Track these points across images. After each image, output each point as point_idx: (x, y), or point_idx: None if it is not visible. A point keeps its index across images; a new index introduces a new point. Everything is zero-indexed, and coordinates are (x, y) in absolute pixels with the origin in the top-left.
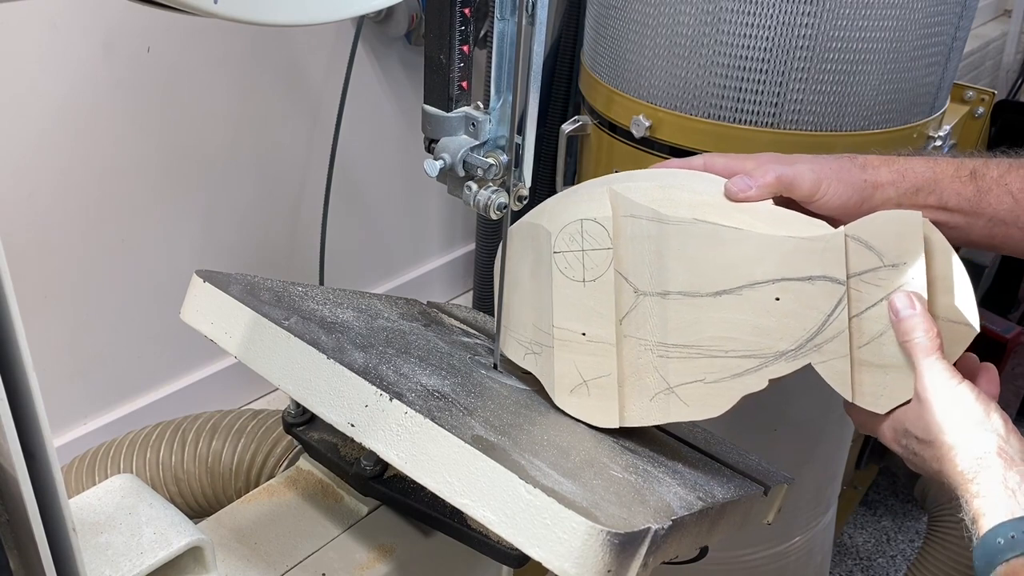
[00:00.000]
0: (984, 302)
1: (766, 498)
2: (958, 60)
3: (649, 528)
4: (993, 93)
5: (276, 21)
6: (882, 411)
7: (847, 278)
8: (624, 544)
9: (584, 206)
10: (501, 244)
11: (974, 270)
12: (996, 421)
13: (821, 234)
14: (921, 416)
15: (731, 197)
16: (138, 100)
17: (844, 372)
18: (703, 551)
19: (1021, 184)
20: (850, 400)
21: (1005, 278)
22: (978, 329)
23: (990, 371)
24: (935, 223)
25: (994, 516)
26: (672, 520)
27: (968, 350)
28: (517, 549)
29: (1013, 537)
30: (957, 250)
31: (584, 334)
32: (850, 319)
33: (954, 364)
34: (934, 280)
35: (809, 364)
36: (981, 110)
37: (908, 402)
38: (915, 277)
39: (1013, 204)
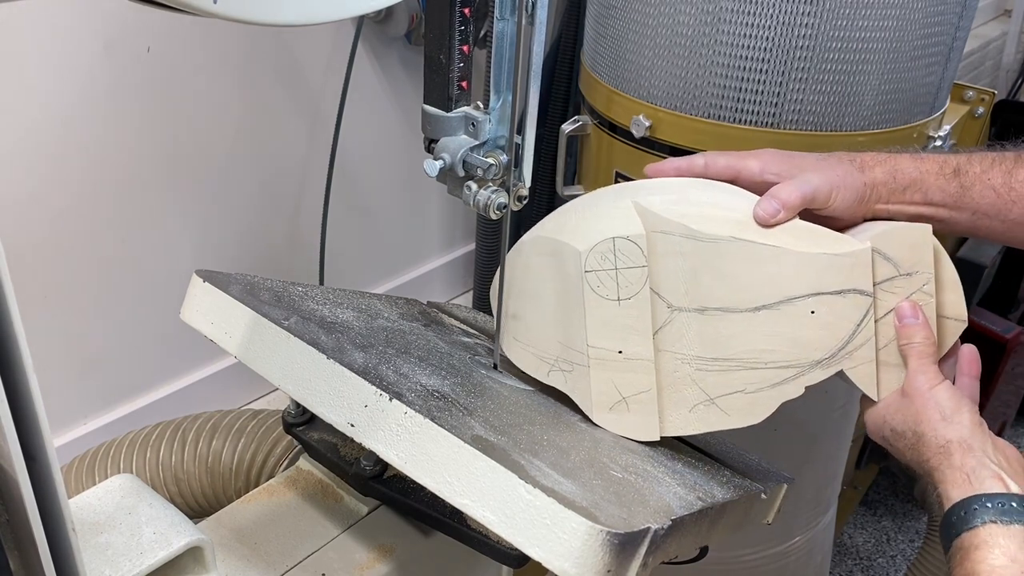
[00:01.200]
0: (984, 302)
1: (766, 498)
2: (958, 60)
3: (649, 528)
4: (993, 93)
5: (276, 21)
6: None
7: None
8: (624, 544)
9: (611, 222)
10: (502, 248)
11: (974, 270)
12: (963, 416)
13: (851, 250)
14: (900, 410)
15: (763, 223)
16: (138, 100)
17: (871, 375)
18: (703, 551)
19: (1003, 180)
20: (875, 400)
21: (1005, 278)
22: (967, 323)
23: (971, 351)
24: (921, 217)
25: (953, 497)
26: (672, 520)
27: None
28: (517, 549)
29: (964, 513)
30: (957, 249)
31: (621, 352)
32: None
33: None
34: (939, 283)
35: (841, 370)
36: (981, 110)
37: None
38: (927, 283)
39: (995, 199)
